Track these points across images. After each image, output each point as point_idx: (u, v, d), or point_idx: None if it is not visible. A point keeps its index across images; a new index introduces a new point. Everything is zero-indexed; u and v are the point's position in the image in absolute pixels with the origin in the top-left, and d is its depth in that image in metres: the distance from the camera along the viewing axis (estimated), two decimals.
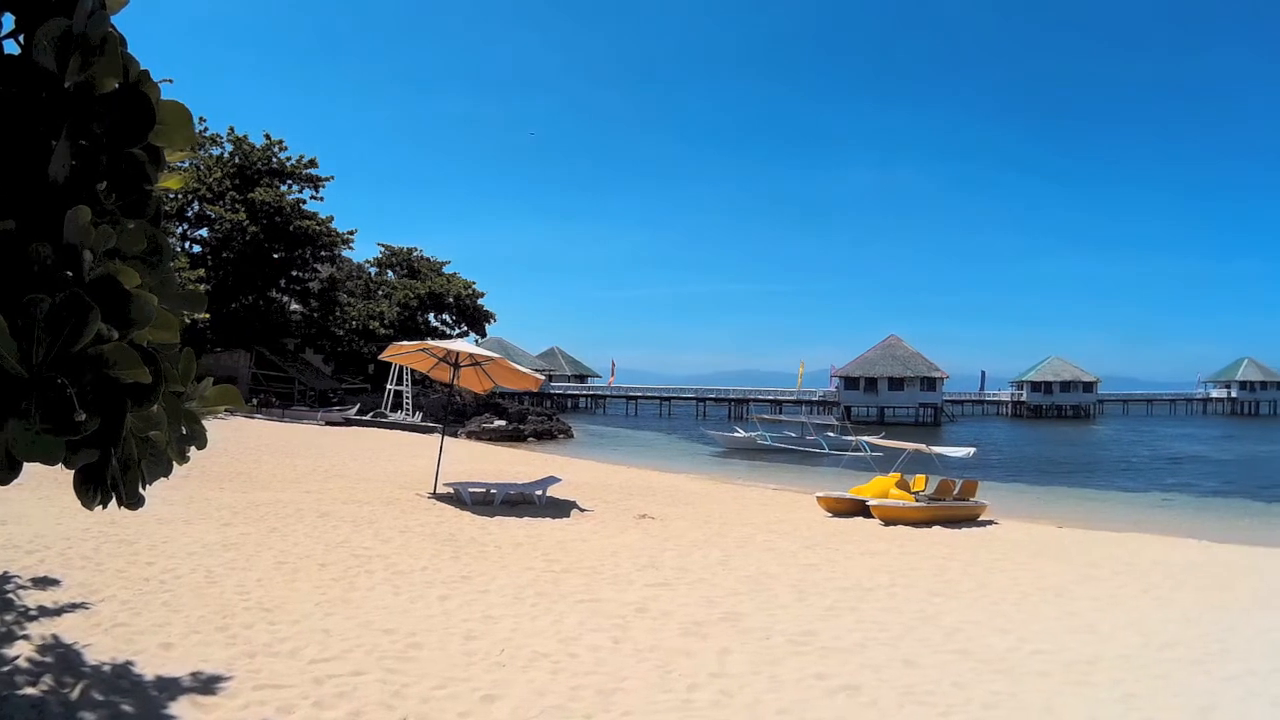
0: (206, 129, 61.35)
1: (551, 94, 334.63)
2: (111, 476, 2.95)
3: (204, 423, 3.66)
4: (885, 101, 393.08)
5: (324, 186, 64.98)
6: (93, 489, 2.95)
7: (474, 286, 73.67)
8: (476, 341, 69.86)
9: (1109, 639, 10.89)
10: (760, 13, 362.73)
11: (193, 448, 3.63)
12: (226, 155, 61.84)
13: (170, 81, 3.31)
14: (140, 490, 3.28)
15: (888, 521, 21.67)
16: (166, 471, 3.36)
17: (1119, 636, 11.05)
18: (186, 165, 57.78)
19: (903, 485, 23.43)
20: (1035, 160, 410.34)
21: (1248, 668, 9.75)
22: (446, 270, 75.04)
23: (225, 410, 4.03)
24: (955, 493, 23.78)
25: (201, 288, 41.17)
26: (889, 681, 8.65)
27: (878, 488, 23.51)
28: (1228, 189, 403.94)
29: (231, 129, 62.06)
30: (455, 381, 23.42)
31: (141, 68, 2.97)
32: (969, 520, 23.09)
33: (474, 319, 74.15)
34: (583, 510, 20.49)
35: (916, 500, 22.68)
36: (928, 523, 21.76)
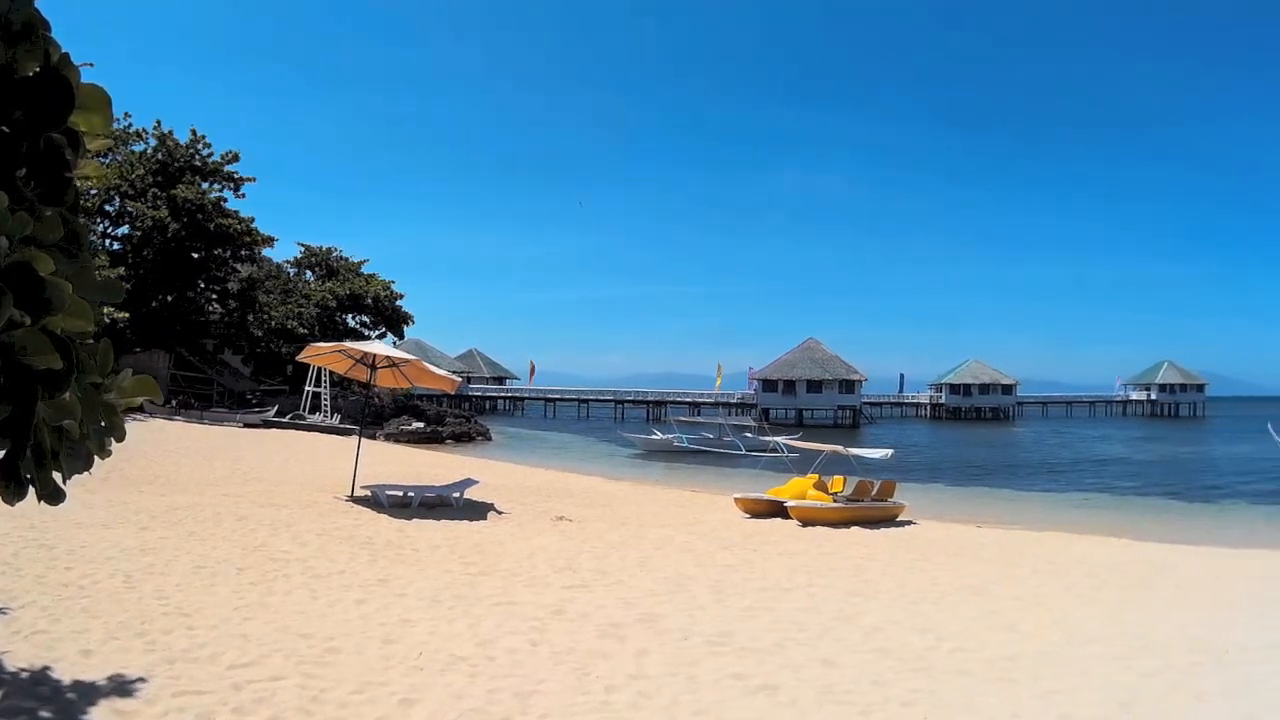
0: (131, 124, 60.14)
1: (474, 93, 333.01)
2: (26, 469, 2.87)
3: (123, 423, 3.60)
4: (810, 106, 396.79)
5: (245, 186, 64.06)
6: (8, 483, 2.87)
7: (392, 287, 72.91)
8: (395, 343, 69.26)
9: (1030, 637, 11.02)
10: (686, 16, 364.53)
11: (113, 444, 3.57)
12: (150, 151, 60.56)
13: (91, 65, 3.26)
14: (60, 484, 3.21)
15: (805, 522, 21.77)
16: (86, 466, 3.30)
17: (1040, 634, 11.19)
18: (109, 161, 56.66)
19: (820, 486, 23.58)
20: (958, 164, 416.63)
21: (1169, 663, 9.91)
22: (365, 270, 74.19)
23: (144, 412, 3.99)
24: (873, 493, 23.94)
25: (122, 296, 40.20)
26: (808, 681, 8.66)
27: (795, 489, 23.63)
28: (1149, 194, 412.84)
29: (158, 123, 60.89)
30: (372, 383, 23.22)
31: (63, 51, 2.90)
32: (887, 521, 23.30)
33: (392, 320, 73.36)
34: (500, 513, 20.36)
35: (834, 501, 22.82)
36: (846, 523, 21.91)
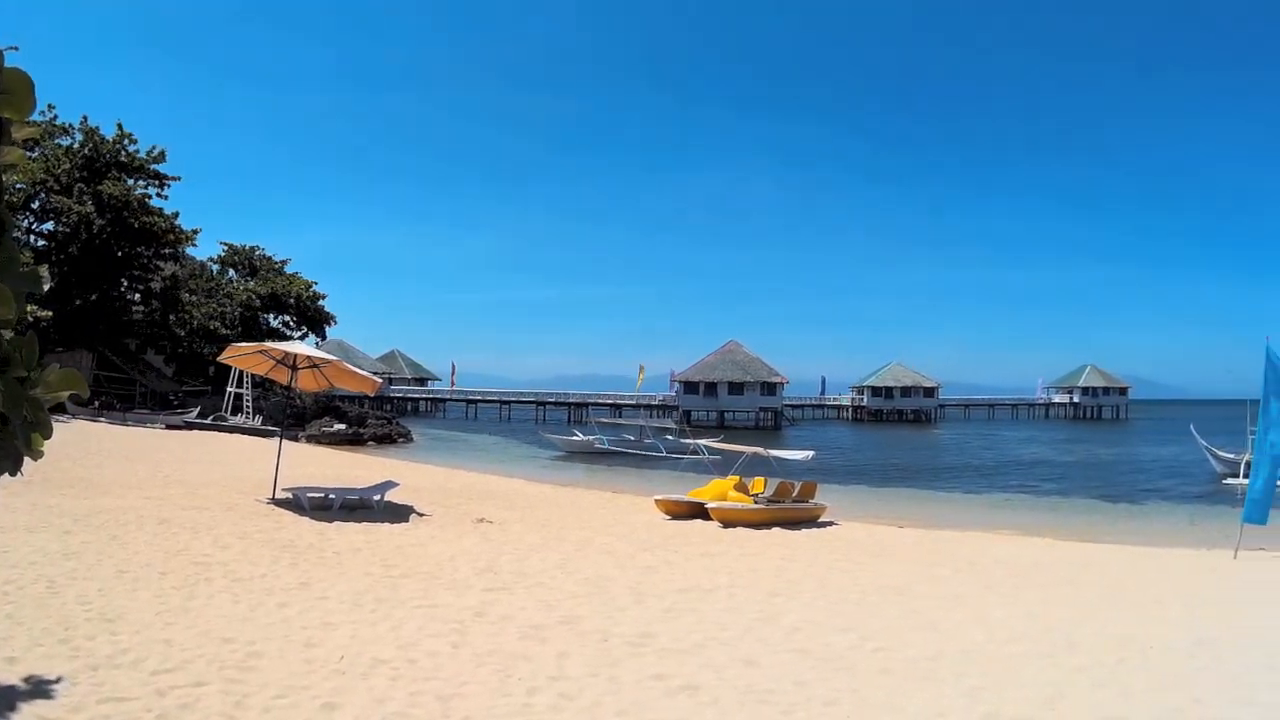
0: (56, 118, 58.87)
1: (400, 92, 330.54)
2: None
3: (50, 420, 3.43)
4: (732, 107, 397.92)
5: (169, 186, 63.06)
6: None
7: (314, 287, 72.24)
8: (317, 344, 68.66)
9: (952, 635, 10.98)
10: (614, 16, 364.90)
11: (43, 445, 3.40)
12: (76, 146, 59.30)
13: (15, 49, 3.12)
14: None
15: (726, 524, 21.70)
16: (15, 466, 3.12)
17: (962, 632, 11.17)
18: (35, 155, 55.47)
19: (741, 488, 23.53)
20: (881, 167, 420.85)
21: (1095, 659, 9.92)
22: (288, 270, 73.34)
23: (67, 414, 3.82)
24: (794, 494, 23.92)
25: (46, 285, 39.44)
26: (729, 681, 8.56)
27: (716, 490, 23.60)
28: (1072, 197, 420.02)
29: (85, 118, 59.70)
30: (294, 384, 22.80)
31: None
32: (809, 521, 23.30)
33: (314, 321, 72.64)
34: (421, 515, 20.13)
35: (755, 502, 22.78)
36: (767, 524, 21.87)
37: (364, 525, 17.92)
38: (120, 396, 57.66)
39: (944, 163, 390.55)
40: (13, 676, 7.66)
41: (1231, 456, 42.09)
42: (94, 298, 59.16)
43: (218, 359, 26.44)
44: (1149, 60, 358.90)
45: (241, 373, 51.68)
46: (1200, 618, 12.89)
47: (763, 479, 24.82)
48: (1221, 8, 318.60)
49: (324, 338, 76.75)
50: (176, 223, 62.44)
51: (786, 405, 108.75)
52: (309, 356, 21.89)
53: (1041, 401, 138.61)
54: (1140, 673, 9.48)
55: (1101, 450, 67.38)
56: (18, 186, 51.45)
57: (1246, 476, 22.92)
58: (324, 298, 73.14)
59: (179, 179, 63.48)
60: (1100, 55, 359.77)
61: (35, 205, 58.19)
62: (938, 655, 9.89)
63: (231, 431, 47.41)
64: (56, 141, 59.10)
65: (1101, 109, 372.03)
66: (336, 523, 17.91)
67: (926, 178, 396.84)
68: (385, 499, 20.99)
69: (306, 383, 22.92)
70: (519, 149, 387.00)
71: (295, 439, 47.93)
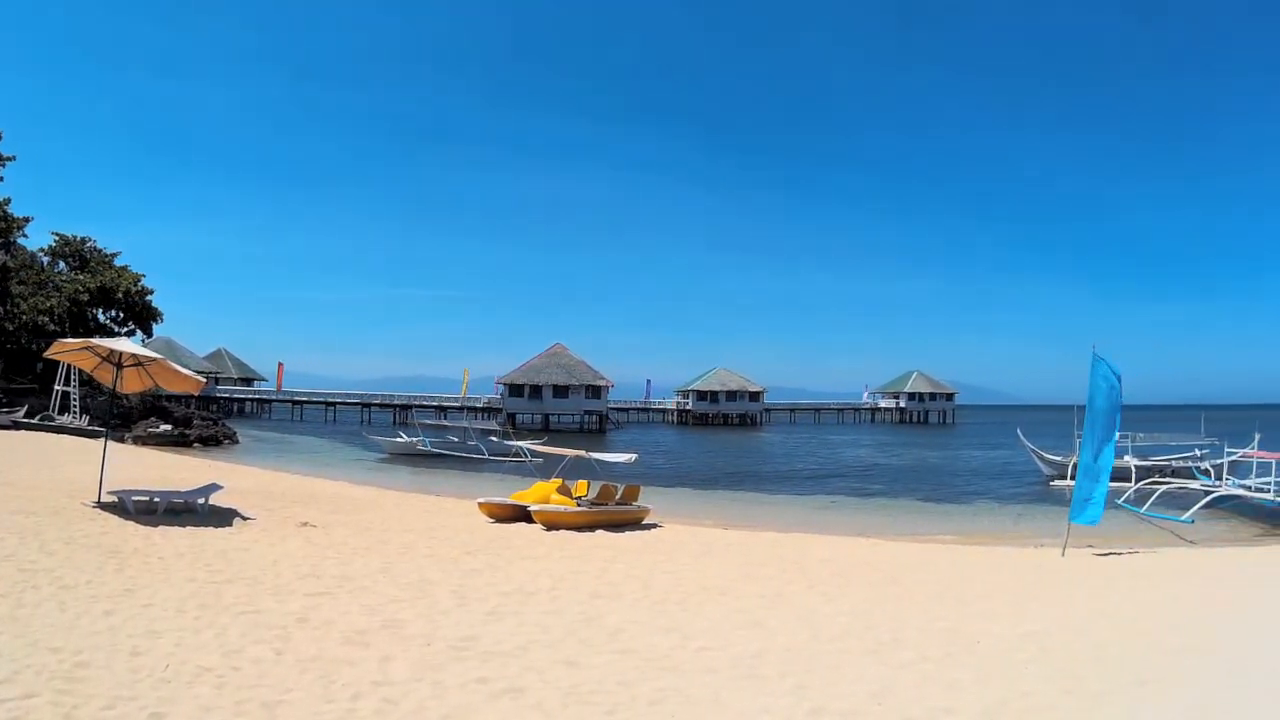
0: None
1: (222, 88, 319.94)
2: None
3: None
4: (568, 110, 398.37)
5: (5, 165, 59.77)
6: None
7: (142, 282, 69.54)
8: (143, 341, 66.20)
9: (776, 633, 11.09)
10: (439, 17, 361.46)
11: None
12: None
13: None
14: None
15: (550, 526, 21.69)
16: None
17: (786, 631, 11.28)
18: None
19: (564, 490, 23.53)
20: (712, 173, 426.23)
21: (921, 655, 10.11)
22: (118, 263, 70.33)
23: None
24: (617, 497, 24.03)
25: None
26: (553, 683, 8.55)
27: (539, 493, 23.54)
28: (900, 209, 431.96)
29: None
30: (119, 383, 21.89)
31: None
32: (632, 524, 23.38)
33: (141, 317, 69.94)
34: (245, 518, 19.71)
35: (578, 505, 22.81)
36: (590, 527, 21.93)
37: (189, 529, 17.47)
38: None
39: (778, 172, 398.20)
40: None
41: (1059, 459, 43.60)
42: None
43: (44, 355, 25.32)
44: (983, 70, 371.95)
45: (69, 370, 49.72)
46: (1028, 613, 13.24)
47: (586, 482, 24.93)
48: (1053, 18, 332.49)
49: (150, 335, 74.04)
50: (9, 209, 59.41)
51: (612, 408, 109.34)
52: (134, 354, 21.12)
53: (867, 406, 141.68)
54: (967, 667, 9.68)
55: (928, 453, 68.94)
56: None
57: (1073, 478, 23.81)
58: (152, 293, 70.55)
59: (14, 158, 60.34)
60: (933, 64, 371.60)
61: None
62: (762, 653, 9.97)
63: (59, 431, 45.63)
64: None
65: (932, 118, 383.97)
66: (162, 527, 17.42)
67: (762, 187, 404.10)
68: (210, 502, 20.47)
69: (131, 383, 22.09)
70: (346, 146, 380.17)
71: (121, 440, 46.70)
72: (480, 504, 23.80)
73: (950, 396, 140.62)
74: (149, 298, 70.38)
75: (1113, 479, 22.15)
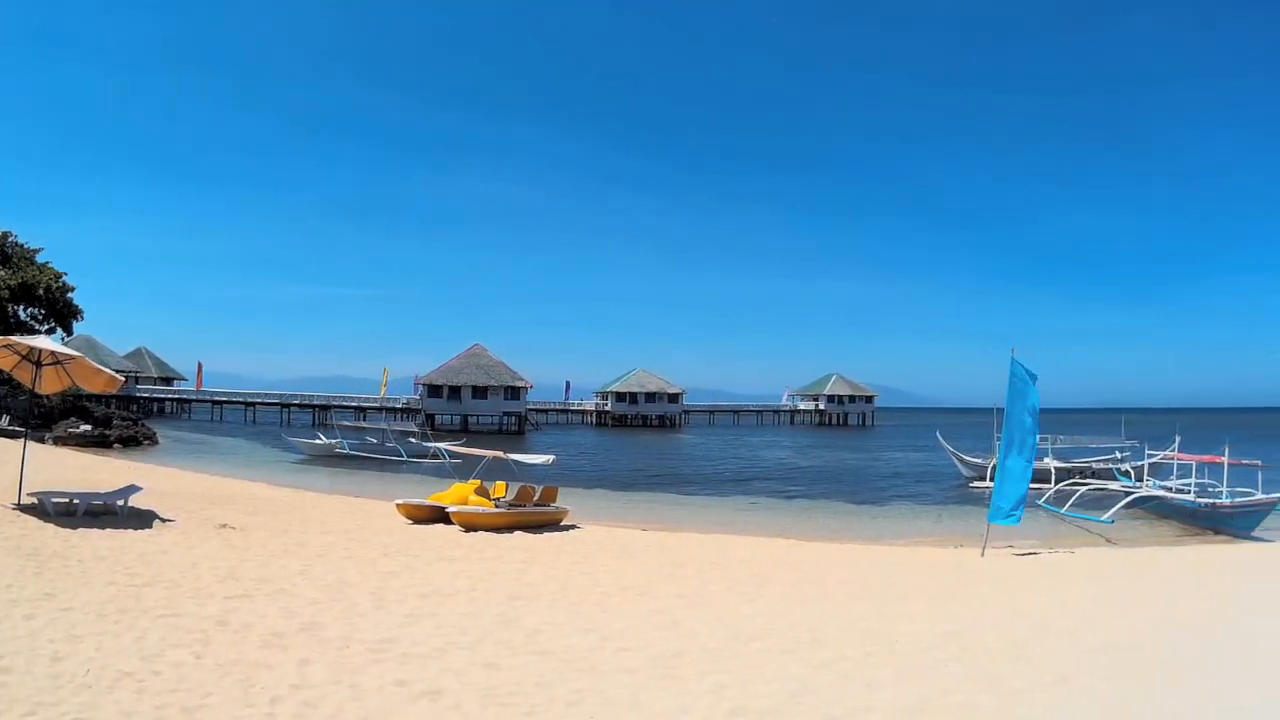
0: None
1: (154, 76, 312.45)
2: None
3: None
4: (489, 111, 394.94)
5: None
6: None
7: (64, 279, 68.11)
8: (63, 339, 64.87)
9: (695, 634, 11.16)
10: (364, 13, 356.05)
11: None
12: None
13: None
14: None
15: (468, 528, 21.67)
16: None
17: (705, 631, 11.36)
18: None
19: (482, 492, 23.48)
20: (641, 177, 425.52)
21: (841, 654, 10.21)
22: (40, 259, 68.76)
23: None
24: (535, 499, 24.03)
25: None
26: (471, 685, 8.57)
27: (457, 494, 23.47)
28: (821, 211, 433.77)
29: None
30: (37, 382, 21.48)
31: None
32: (551, 525, 23.40)
33: (62, 314, 68.49)
34: (165, 520, 19.49)
35: (496, 506, 22.78)
36: (508, 528, 21.93)
37: (108, 531, 17.25)
38: None
39: (700, 173, 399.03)
40: None
41: (978, 461, 44.20)
42: None
43: None
44: (905, 72, 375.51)
45: None
46: (948, 612, 13.39)
47: (504, 483, 24.92)
48: (980, 20, 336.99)
49: (70, 332, 72.56)
50: None
51: (531, 410, 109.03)
52: (54, 352, 20.78)
53: (787, 408, 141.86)
54: (887, 666, 9.80)
55: (848, 455, 69.15)
56: None
57: (993, 480, 24.13)
58: (73, 290, 69.15)
59: None
60: (854, 67, 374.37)
61: None
62: (681, 654, 10.03)
63: None
64: None
65: (853, 122, 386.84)
66: (81, 529, 17.17)
67: (684, 188, 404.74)
68: (130, 504, 20.24)
69: (50, 382, 21.70)
70: (267, 143, 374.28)
71: (41, 440, 46.03)
72: (398, 505, 23.70)
73: (870, 399, 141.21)
74: (70, 295, 69.06)
75: (1033, 481, 22.51)
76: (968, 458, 46.14)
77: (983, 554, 20.93)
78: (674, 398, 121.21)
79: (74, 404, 56.60)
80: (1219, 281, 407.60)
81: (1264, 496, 27.50)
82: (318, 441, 55.47)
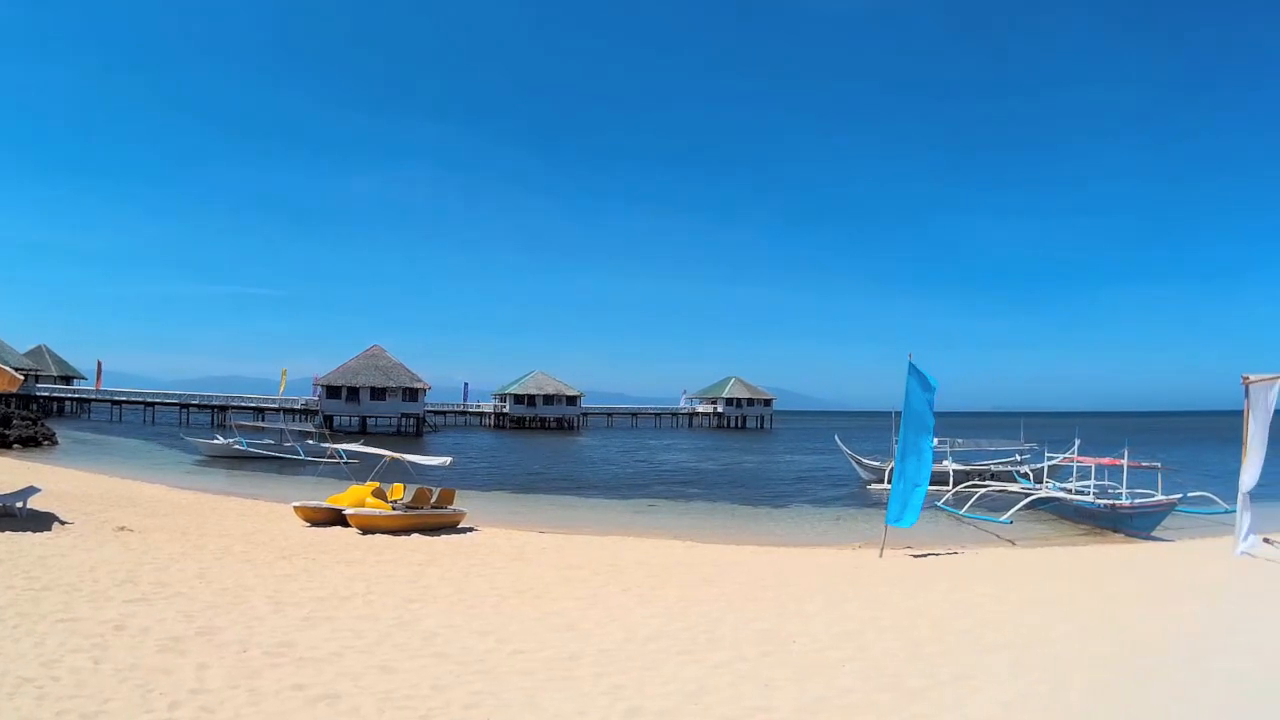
0: None
1: (34, 75, 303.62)
2: None
3: None
4: (391, 109, 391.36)
5: None
6: None
7: None
8: None
9: (591, 635, 11.27)
10: (265, 9, 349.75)
11: None
12: None
13: None
14: None
15: (365, 530, 21.69)
16: None
17: (602, 632, 11.47)
18: None
19: (379, 494, 23.45)
20: (543, 179, 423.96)
21: (738, 654, 10.32)
22: None
23: None
24: (432, 501, 24.09)
25: None
26: (368, 688, 8.59)
27: (354, 497, 23.41)
28: (716, 215, 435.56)
29: None
30: None
31: None
32: (448, 527, 23.47)
33: None
34: (64, 522, 19.37)
35: (393, 509, 22.78)
36: (405, 530, 21.96)
37: (6, 534, 17.07)
38: None
39: (601, 175, 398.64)
40: None
41: (876, 464, 44.71)
42: None
43: None
44: (809, 75, 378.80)
45: None
46: (845, 613, 13.44)
47: (402, 485, 24.88)
48: (882, 26, 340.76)
49: None
50: None
51: (429, 411, 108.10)
52: None
53: (685, 411, 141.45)
54: (784, 666, 9.90)
55: (746, 458, 69.41)
56: None
57: (890, 482, 24.44)
58: None
59: None
60: (760, 69, 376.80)
61: None
62: (577, 655, 10.13)
63: None
64: None
65: (757, 124, 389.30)
66: None
67: (584, 190, 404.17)
68: (28, 505, 20.14)
69: None
70: (164, 140, 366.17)
71: None
72: (295, 508, 23.61)
73: (768, 402, 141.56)
74: None
75: (932, 483, 22.79)
76: (866, 460, 46.53)
77: (881, 555, 21.22)
78: (572, 400, 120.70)
79: None
80: (1119, 289, 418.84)
81: (1163, 497, 28.21)
82: (216, 441, 54.79)
